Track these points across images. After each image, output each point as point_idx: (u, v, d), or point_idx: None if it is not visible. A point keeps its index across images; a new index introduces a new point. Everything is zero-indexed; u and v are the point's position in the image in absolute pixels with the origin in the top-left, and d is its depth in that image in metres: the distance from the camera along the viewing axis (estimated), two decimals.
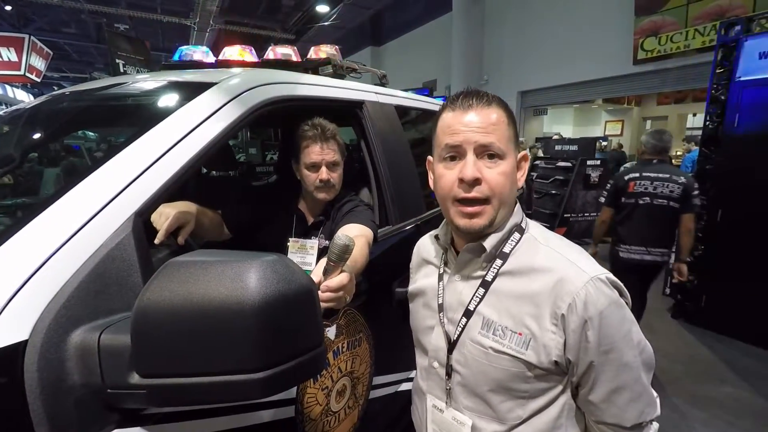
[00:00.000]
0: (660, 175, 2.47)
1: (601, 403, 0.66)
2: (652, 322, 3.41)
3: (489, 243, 0.70)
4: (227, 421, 0.77)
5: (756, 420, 2.22)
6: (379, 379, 1.30)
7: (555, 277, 0.65)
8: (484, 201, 0.67)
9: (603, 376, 0.64)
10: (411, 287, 0.91)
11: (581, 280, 0.63)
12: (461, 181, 0.66)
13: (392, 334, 1.27)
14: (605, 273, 0.65)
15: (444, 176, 0.69)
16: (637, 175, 2.54)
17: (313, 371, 0.61)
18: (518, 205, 0.75)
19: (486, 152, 0.66)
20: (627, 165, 9.21)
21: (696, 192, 2.45)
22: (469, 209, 0.67)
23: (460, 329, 0.73)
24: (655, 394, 0.69)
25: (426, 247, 0.90)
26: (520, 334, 0.66)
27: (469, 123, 0.66)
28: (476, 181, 0.66)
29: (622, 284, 0.66)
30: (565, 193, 5.86)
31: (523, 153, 0.73)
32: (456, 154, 0.68)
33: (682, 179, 2.45)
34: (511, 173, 0.68)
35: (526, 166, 0.73)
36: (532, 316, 0.66)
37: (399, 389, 1.43)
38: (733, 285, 3.09)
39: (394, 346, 1.31)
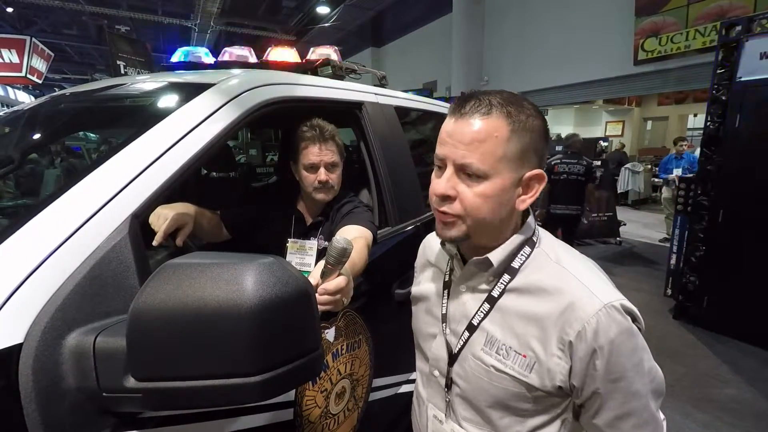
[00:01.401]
0: (571, 160, 4.17)
1: (606, 427, 0.63)
2: (654, 323, 3.40)
3: (495, 257, 0.66)
4: (224, 424, 0.77)
5: (758, 422, 2.21)
6: (378, 381, 1.29)
7: (565, 300, 0.61)
8: (457, 216, 0.63)
9: (610, 403, 0.61)
10: (414, 289, 0.89)
11: (593, 306, 0.59)
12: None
13: (392, 336, 1.26)
14: (620, 299, 0.61)
15: (432, 183, 0.67)
16: (559, 160, 4.20)
17: (310, 374, 0.61)
18: (531, 216, 0.70)
19: (464, 171, 0.61)
20: (628, 165, 9.26)
21: (593, 170, 4.43)
22: (443, 219, 0.65)
23: (462, 342, 0.70)
24: (662, 417, 0.65)
25: (432, 248, 0.86)
26: (524, 356, 0.63)
27: (454, 135, 0.61)
28: (447, 198, 0.63)
29: (636, 310, 0.62)
30: None
31: (535, 172, 0.63)
32: (441, 164, 0.65)
33: (585, 162, 4.21)
34: (494, 195, 0.61)
35: (538, 186, 0.64)
36: (538, 339, 0.62)
37: (399, 391, 1.43)
38: (735, 286, 3.08)
39: (394, 348, 1.30)
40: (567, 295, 0.61)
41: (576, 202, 4.18)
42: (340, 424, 1.11)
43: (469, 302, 0.71)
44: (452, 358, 0.72)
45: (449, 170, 0.62)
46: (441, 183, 0.63)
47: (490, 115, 0.60)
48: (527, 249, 0.68)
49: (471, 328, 0.69)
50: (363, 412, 1.21)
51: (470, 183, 0.61)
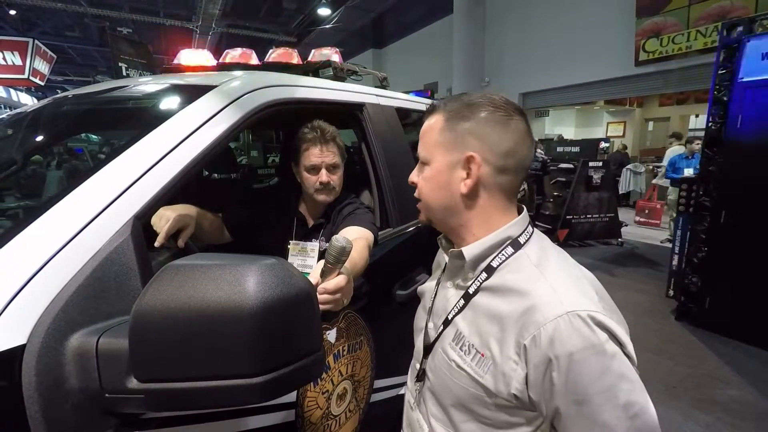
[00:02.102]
0: None
1: None
2: (656, 324, 3.39)
3: (468, 251, 0.67)
4: (226, 425, 0.77)
5: (761, 424, 2.20)
6: (380, 383, 1.29)
7: (528, 302, 0.59)
8: (419, 201, 0.74)
9: (574, 429, 0.56)
10: (419, 287, 0.90)
11: (553, 312, 0.55)
12: None
13: (393, 337, 1.26)
14: (591, 311, 0.55)
15: None
16: None
17: (312, 375, 0.61)
18: (522, 216, 0.69)
19: (420, 162, 0.73)
20: (629, 166, 9.25)
21: (548, 164, 5.75)
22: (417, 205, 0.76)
23: (436, 336, 0.72)
24: None
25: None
26: (482, 355, 0.62)
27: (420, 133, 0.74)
28: (413, 184, 0.75)
29: (618, 329, 0.56)
30: (567, 194, 5.84)
31: (467, 154, 0.65)
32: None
33: (542, 158, 5.41)
34: (432, 177, 0.70)
35: (474, 169, 0.65)
36: (496, 339, 0.61)
37: (400, 392, 1.42)
38: (737, 287, 3.07)
39: (395, 349, 1.30)
40: (531, 297, 0.59)
41: (537, 192, 5.45)
42: (342, 425, 1.11)
43: (451, 298, 0.72)
44: (426, 350, 0.74)
45: (418, 164, 0.74)
46: (411, 175, 0.76)
47: (433, 114, 0.72)
48: (509, 249, 0.66)
49: (446, 323, 0.71)
50: (364, 414, 1.21)
51: (421, 171, 0.73)
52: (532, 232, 0.70)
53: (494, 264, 0.66)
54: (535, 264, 0.63)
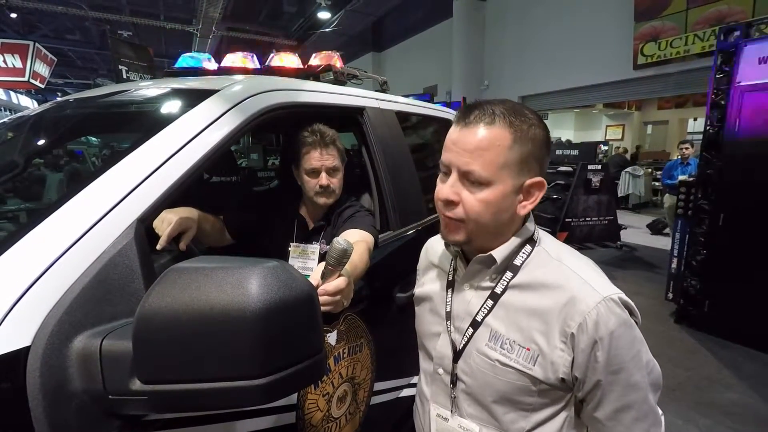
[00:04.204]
0: None
1: (607, 420, 0.66)
2: (655, 327, 3.39)
3: (498, 255, 0.69)
4: (228, 427, 0.77)
5: (761, 427, 2.20)
6: (380, 385, 1.29)
7: (567, 295, 0.64)
8: (460, 220, 0.67)
9: (611, 395, 0.64)
10: (417, 290, 0.91)
11: (593, 300, 0.63)
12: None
13: (393, 340, 1.27)
14: (618, 293, 0.64)
15: (437, 187, 0.70)
16: None
17: (313, 377, 0.61)
18: (531, 215, 0.73)
19: (468, 178, 0.64)
20: (628, 169, 9.27)
21: None
22: (447, 222, 0.69)
23: (466, 339, 0.72)
24: (660, 412, 0.68)
25: (435, 249, 0.89)
26: (528, 349, 0.66)
27: (458, 142, 0.65)
28: (450, 203, 0.66)
29: (632, 304, 0.65)
30: (566, 197, 5.86)
31: (536, 180, 0.66)
32: (446, 170, 0.68)
33: None
34: (495, 201, 0.64)
35: (538, 194, 0.67)
36: (541, 333, 0.65)
37: (400, 395, 1.43)
38: (736, 289, 3.07)
39: (396, 351, 1.31)
40: (568, 290, 0.64)
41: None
42: (342, 427, 1.11)
43: (473, 300, 0.73)
44: (457, 354, 0.74)
45: (453, 176, 0.66)
46: (445, 188, 0.67)
47: (494, 125, 0.63)
48: (528, 248, 0.71)
49: (475, 325, 0.71)
50: (364, 416, 1.21)
51: (473, 189, 0.64)
52: (540, 230, 0.75)
53: (517, 262, 0.70)
54: (556, 258, 0.69)
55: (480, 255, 0.70)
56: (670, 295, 3.78)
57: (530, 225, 0.72)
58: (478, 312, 0.71)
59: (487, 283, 0.72)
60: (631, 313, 0.65)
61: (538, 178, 0.66)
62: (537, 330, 0.65)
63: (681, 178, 5.06)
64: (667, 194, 5.78)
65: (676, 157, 5.66)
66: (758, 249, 2.92)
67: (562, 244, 0.74)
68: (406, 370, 1.43)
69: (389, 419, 1.39)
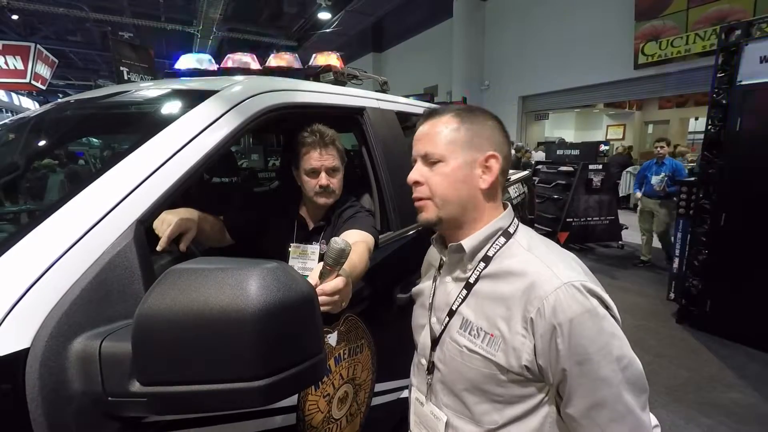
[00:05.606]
0: None
1: (581, 418, 0.64)
2: (657, 327, 3.38)
3: (468, 243, 0.73)
4: (228, 429, 0.77)
5: (763, 427, 2.19)
6: (380, 386, 1.29)
7: (528, 280, 0.65)
8: (427, 198, 0.74)
9: (580, 389, 0.62)
10: (414, 288, 0.94)
11: (552, 285, 0.63)
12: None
13: (394, 341, 1.26)
14: (583, 281, 0.63)
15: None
16: None
17: (313, 379, 0.61)
18: (508, 209, 0.77)
19: (427, 159, 0.74)
20: (629, 169, 9.26)
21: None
22: (417, 204, 0.76)
23: (442, 328, 0.76)
24: (650, 422, 0.64)
25: (432, 250, 0.93)
26: (492, 335, 0.67)
27: (417, 136, 0.77)
28: (416, 183, 0.75)
29: (605, 296, 0.64)
30: (567, 197, 5.85)
31: (489, 153, 0.72)
32: (413, 161, 0.78)
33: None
34: (452, 173, 0.71)
35: (495, 165, 0.72)
36: (503, 319, 0.66)
37: (401, 396, 1.42)
38: (738, 289, 3.06)
39: (396, 352, 1.30)
40: (530, 276, 0.66)
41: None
42: (343, 428, 1.11)
43: (452, 290, 0.76)
44: (434, 343, 0.77)
45: (418, 162, 0.76)
46: (412, 173, 0.76)
47: (443, 116, 0.75)
48: (502, 239, 0.74)
49: (451, 314, 0.74)
50: (365, 417, 1.21)
51: (432, 168, 0.74)
52: (518, 224, 0.77)
53: (490, 253, 0.73)
54: (527, 248, 0.71)
55: (452, 244, 0.75)
56: (672, 295, 3.77)
57: (506, 218, 0.75)
58: (454, 301, 0.74)
59: (463, 274, 0.75)
60: (603, 303, 0.63)
61: (491, 152, 0.73)
62: (500, 316, 0.67)
63: (654, 179, 4.64)
64: (640, 201, 4.98)
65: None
66: (760, 248, 2.91)
67: (540, 236, 0.76)
68: (406, 370, 1.42)
69: (390, 420, 1.39)
